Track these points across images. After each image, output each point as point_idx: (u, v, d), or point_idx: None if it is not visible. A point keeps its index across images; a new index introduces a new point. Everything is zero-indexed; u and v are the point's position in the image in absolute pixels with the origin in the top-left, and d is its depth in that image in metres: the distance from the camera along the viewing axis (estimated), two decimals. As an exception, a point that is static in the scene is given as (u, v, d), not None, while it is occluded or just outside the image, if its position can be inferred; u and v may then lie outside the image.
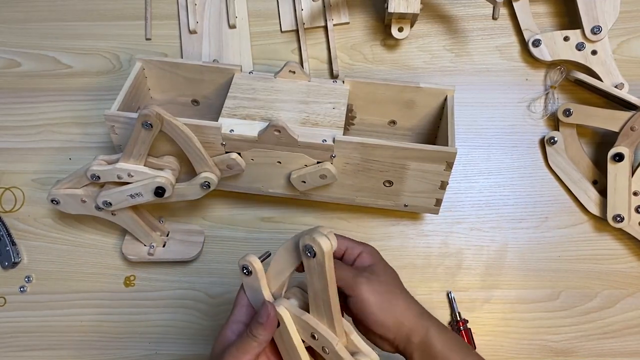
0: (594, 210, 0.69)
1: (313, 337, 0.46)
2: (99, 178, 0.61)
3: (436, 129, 0.68)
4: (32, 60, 0.76)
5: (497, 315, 0.68)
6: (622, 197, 0.67)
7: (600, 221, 0.70)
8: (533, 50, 0.72)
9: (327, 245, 0.42)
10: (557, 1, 0.75)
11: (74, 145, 0.73)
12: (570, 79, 0.72)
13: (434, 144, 0.61)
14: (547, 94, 0.73)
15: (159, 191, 0.60)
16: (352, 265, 0.52)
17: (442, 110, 0.66)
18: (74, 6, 0.78)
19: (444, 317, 0.67)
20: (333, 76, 0.74)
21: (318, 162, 0.61)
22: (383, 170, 0.61)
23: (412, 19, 0.69)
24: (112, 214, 0.64)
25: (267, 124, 0.59)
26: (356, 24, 0.75)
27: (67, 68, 0.76)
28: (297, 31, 0.75)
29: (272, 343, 0.48)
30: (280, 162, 0.62)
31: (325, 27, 0.75)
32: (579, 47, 0.70)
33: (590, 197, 0.70)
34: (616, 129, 0.67)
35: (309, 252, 0.42)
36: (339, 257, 0.53)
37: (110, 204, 0.62)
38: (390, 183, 0.63)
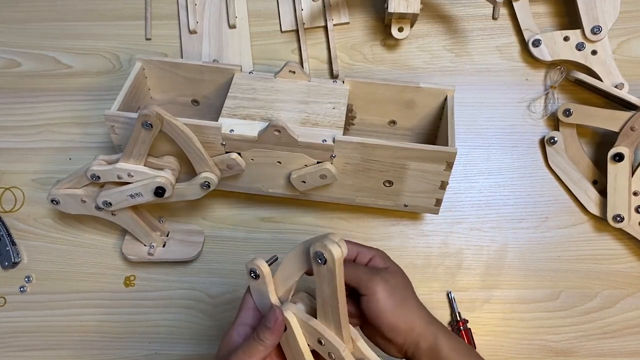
0: (594, 210, 0.69)
1: (320, 342, 0.46)
2: (99, 178, 0.61)
3: (436, 129, 0.68)
4: (32, 60, 0.76)
5: (497, 315, 0.68)
6: (622, 197, 0.67)
7: (600, 221, 0.70)
8: (533, 50, 0.72)
9: (338, 252, 0.42)
10: (557, 1, 0.75)
11: (74, 145, 0.73)
12: (570, 79, 0.72)
13: (434, 144, 0.61)
14: (547, 94, 0.73)
15: (159, 191, 0.60)
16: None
17: (442, 110, 0.66)
18: (74, 6, 0.78)
19: (444, 317, 0.67)
20: (333, 76, 0.74)
21: (318, 162, 0.61)
22: (383, 170, 0.61)
23: (412, 19, 0.69)
24: (112, 214, 0.64)
25: (267, 124, 0.59)
26: (356, 24, 0.75)
27: (67, 68, 0.76)
28: (297, 31, 0.75)
29: (278, 346, 0.48)
30: (280, 162, 0.62)
31: (325, 27, 0.75)
32: (579, 47, 0.70)
33: (590, 197, 0.70)
34: (616, 129, 0.67)
35: (320, 259, 0.43)
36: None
37: (110, 204, 0.62)
38: (390, 183, 0.63)
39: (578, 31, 0.70)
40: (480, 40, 0.75)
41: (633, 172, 0.67)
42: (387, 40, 0.75)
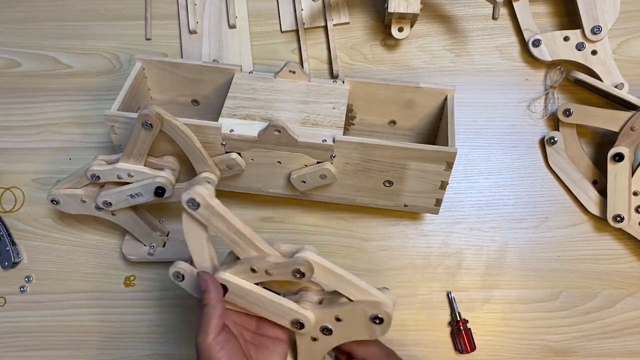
0: (594, 210, 0.69)
1: (253, 270, 0.49)
2: (99, 178, 0.61)
3: (436, 129, 0.68)
4: (32, 60, 0.76)
5: (497, 315, 0.68)
6: (622, 197, 0.67)
7: (600, 221, 0.70)
8: (533, 50, 0.72)
9: (202, 190, 0.47)
10: (557, 1, 0.75)
11: (74, 145, 0.73)
12: (570, 79, 0.72)
13: (434, 144, 0.61)
14: (547, 94, 0.73)
15: (159, 191, 0.60)
16: None
17: (442, 110, 0.66)
18: (74, 6, 0.78)
19: (444, 317, 0.67)
20: (333, 76, 0.74)
21: (318, 162, 0.61)
22: (383, 170, 0.61)
23: (412, 19, 0.69)
24: (112, 214, 0.64)
25: (267, 124, 0.59)
26: (356, 24, 0.75)
27: (67, 68, 0.76)
28: (297, 31, 0.75)
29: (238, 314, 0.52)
30: (280, 162, 0.62)
31: (325, 27, 0.75)
32: (579, 47, 0.70)
33: (590, 197, 0.70)
34: (616, 129, 0.67)
35: (192, 204, 0.47)
36: None
37: (110, 204, 0.62)
38: (390, 183, 0.63)
39: (578, 31, 0.70)
40: (480, 40, 0.75)
41: (633, 172, 0.67)
42: (387, 40, 0.75)
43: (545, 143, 0.71)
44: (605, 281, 0.69)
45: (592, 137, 0.72)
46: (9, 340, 0.68)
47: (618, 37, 0.73)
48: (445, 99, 0.65)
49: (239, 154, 0.61)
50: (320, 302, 0.52)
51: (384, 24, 0.75)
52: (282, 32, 0.76)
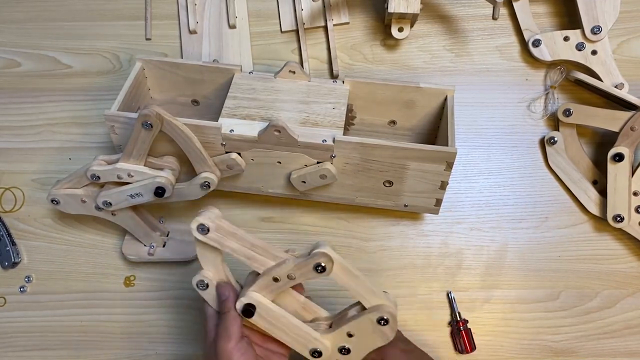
0: (594, 210, 0.69)
1: (275, 280, 0.50)
2: (99, 178, 0.61)
3: (436, 129, 0.68)
4: (32, 60, 0.76)
5: (497, 315, 0.68)
6: (622, 197, 0.67)
7: (600, 221, 0.70)
8: (533, 50, 0.72)
9: (209, 214, 0.49)
10: (557, 1, 0.75)
11: (74, 145, 0.73)
12: (570, 79, 0.72)
13: (434, 144, 0.61)
14: (547, 94, 0.73)
15: (159, 191, 0.60)
16: None
17: (442, 110, 0.66)
18: (74, 6, 0.77)
19: (444, 317, 0.67)
20: (333, 76, 0.74)
21: (318, 162, 0.61)
22: (383, 170, 0.61)
23: (412, 19, 0.69)
24: (112, 214, 0.64)
25: (267, 124, 0.59)
26: (356, 24, 0.75)
27: (67, 68, 0.76)
28: (297, 31, 0.75)
29: (258, 334, 0.53)
30: (280, 162, 0.62)
31: (325, 27, 0.75)
32: (579, 47, 0.70)
33: (590, 197, 0.70)
34: (616, 129, 0.67)
35: (202, 229, 0.49)
36: None
37: (110, 204, 0.62)
38: (390, 183, 0.63)
39: (578, 31, 0.70)
40: (480, 40, 0.75)
41: (633, 172, 0.67)
42: (387, 40, 0.75)
43: (545, 143, 0.71)
44: (605, 281, 0.69)
45: (592, 137, 0.72)
46: (9, 340, 0.68)
47: (618, 37, 0.73)
48: (445, 99, 0.65)
49: (239, 154, 0.61)
50: (330, 326, 0.53)
51: (384, 24, 0.75)
52: (282, 32, 0.76)
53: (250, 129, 0.60)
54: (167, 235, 0.69)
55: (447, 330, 0.67)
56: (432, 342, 0.67)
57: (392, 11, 0.66)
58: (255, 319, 0.51)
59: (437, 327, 0.67)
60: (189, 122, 0.58)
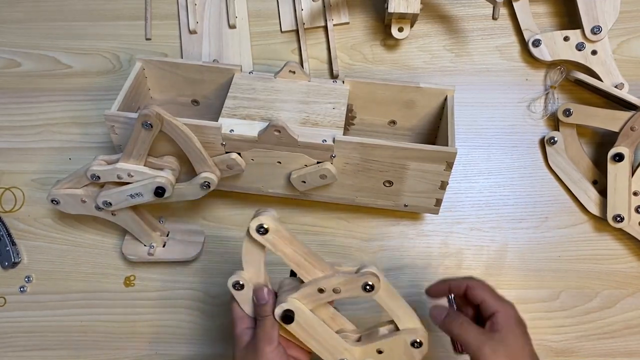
0: (594, 210, 0.69)
1: (320, 291, 0.50)
2: (99, 178, 0.61)
3: (436, 129, 0.68)
4: (32, 60, 0.76)
5: (497, 315, 0.68)
6: (622, 197, 0.67)
7: (600, 221, 0.70)
8: (533, 50, 0.72)
9: (270, 216, 0.48)
10: (557, 1, 0.75)
11: (74, 145, 0.73)
12: (570, 79, 0.72)
13: (434, 144, 0.61)
14: (547, 94, 0.73)
15: (159, 191, 0.60)
16: (484, 322, 0.52)
17: (442, 110, 0.66)
18: (74, 6, 0.77)
19: (444, 317, 0.67)
20: (333, 76, 0.74)
21: (318, 162, 0.61)
22: (383, 170, 0.61)
23: (412, 19, 0.69)
24: (112, 214, 0.64)
25: (267, 124, 0.59)
26: (356, 24, 0.75)
27: (67, 68, 0.76)
28: (297, 31, 0.75)
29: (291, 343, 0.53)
30: (280, 162, 0.62)
31: (325, 27, 0.75)
32: (579, 47, 0.70)
33: (590, 197, 0.70)
34: (616, 129, 0.67)
35: (261, 229, 0.48)
36: (462, 294, 0.54)
37: (110, 204, 0.62)
38: (390, 183, 0.63)
39: (578, 31, 0.70)
40: (480, 40, 0.75)
41: (633, 172, 0.67)
42: (387, 40, 0.75)
43: (545, 143, 0.71)
44: (605, 281, 0.69)
45: (592, 137, 0.72)
46: (9, 340, 0.68)
47: (618, 37, 0.73)
48: (445, 99, 0.65)
49: (239, 154, 0.61)
50: (358, 340, 0.53)
51: (384, 24, 0.75)
52: (282, 32, 0.76)
53: (250, 129, 0.60)
54: (167, 235, 0.69)
55: (447, 330, 0.67)
56: (432, 342, 0.67)
57: (392, 11, 0.66)
58: (291, 325, 0.51)
59: (437, 327, 0.67)
60: (189, 122, 0.58)
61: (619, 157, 0.66)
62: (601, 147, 0.71)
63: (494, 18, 0.75)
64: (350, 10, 0.75)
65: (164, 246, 0.69)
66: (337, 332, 0.53)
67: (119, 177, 0.60)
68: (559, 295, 0.68)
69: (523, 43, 0.74)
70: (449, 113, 0.62)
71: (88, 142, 0.73)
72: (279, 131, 0.58)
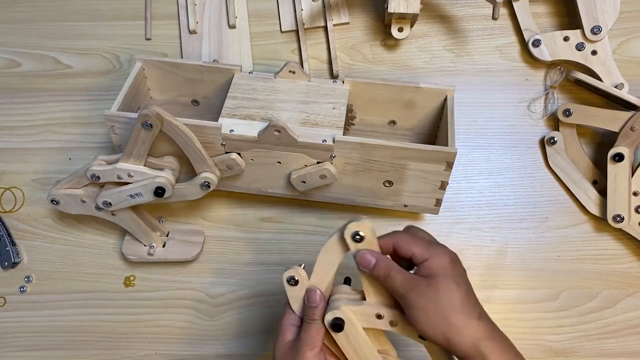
0: (594, 210, 0.69)
1: (379, 317, 0.50)
2: (99, 178, 0.61)
3: (436, 129, 0.68)
4: (32, 60, 0.76)
5: (497, 316, 0.67)
6: (622, 197, 0.67)
7: (600, 221, 0.70)
8: (533, 50, 0.72)
9: (369, 226, 0.47)
10: (557, 1, 0.75)
11: (74, 145, 0.73)
12: (570, 79, 0.72)
13: (434, 144, 0.61)
14: (547, 94, 0.73)
15: (159, 191, 0.60)
16: (416, 268, 0.49)
17: (442, 110, 0.66)
18: (74, 6, 0.77)
19: (444, 317, 0.67)
20: (333, 76, 0.74)
21: (318, 162, 0.61)
22: (383, 170, 0.61)
23: (412, 19, 0.69)
24: (112, 214, 0.64)
25: (267, 124, 0.59)
26: (356, 24, 0.75)
27: (67, 68, 0.76)
28: (297, 31, 0.75)
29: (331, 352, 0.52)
30: (280, 162, 0.62)
31: (325, 27, 0.75)
32: (579, 47, 0.70)
33: (590, 197, 0.70)
34: (616, 129, 0.67)
35: (357, 237, 0.47)
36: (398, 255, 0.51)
37: (110, 204, 0.62)
38: (390, 183, 0.63)
39: (578, 31, 0.70)
40: (480, 40, 0.75)
41: (633, 172, 0.67)
42: (387, 40, 0.75)
43: (545, 143, 0.71)
44: (605, 281, 0.69)
45: (592, 137, 0.72)
46: (9, 340, 0.68)
47: (618, 37, 0.73)
48: (445, 99, 0.65)
49: (239, 154, 0.61)
50: None
51: (384, 24, 0.75)
52: (282, 32, 0.76)
53: (250, 129, 0.60)
54: (167, 235, 0.69)
55: (447, 330, 0.67)
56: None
57: (392, 11, 0.66)
58: (338, 335, 0.50)
59: None
60: (189, 122, 0.58)
61: (619, 157, 0.66)
62: (601, 147, 0.71)
63: (494, 18, 0.75)
64: (350, 10, 0.75)
65: (163, 246, 0.69)
66: (378, 351, 0.52)
67: (119, 177, 0.60)
68: (558, 296, 0.68)
69: (523, 43, 0.74)
70: (449, 113, 0.62)
71: (88, 142, 0.73)
72: (279, 131, 0.58)
